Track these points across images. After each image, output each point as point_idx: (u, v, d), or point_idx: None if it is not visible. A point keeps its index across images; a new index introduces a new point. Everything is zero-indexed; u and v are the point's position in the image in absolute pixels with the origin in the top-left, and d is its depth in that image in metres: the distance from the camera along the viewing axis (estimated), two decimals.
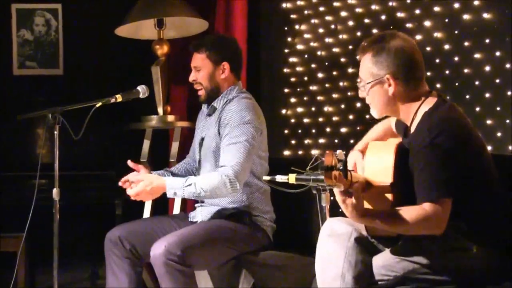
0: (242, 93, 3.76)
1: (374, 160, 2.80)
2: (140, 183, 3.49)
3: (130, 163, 3.60)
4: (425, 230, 2.65)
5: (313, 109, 4.84)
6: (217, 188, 3.46)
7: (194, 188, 3.46)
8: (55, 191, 3.37)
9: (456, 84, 3.94)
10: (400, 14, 4.26)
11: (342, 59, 4.63)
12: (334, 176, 2.49)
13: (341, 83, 4.67)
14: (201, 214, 3.72)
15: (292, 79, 4.97)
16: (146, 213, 4.67)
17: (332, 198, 2.66)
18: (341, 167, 2.50)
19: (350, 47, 4.56)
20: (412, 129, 2.81)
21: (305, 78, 4.89)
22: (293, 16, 4.96)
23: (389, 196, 2.70)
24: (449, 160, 2.65)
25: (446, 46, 3.98)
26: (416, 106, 2.81)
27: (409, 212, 2.62)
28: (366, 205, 2.70)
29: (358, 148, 3.03)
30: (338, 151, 2.54)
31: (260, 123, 3.67)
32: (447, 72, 3.99)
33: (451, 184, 2.64)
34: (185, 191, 3.48)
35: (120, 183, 3.55)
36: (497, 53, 3.75)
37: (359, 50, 2.87)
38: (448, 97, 3.85)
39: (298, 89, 4.93)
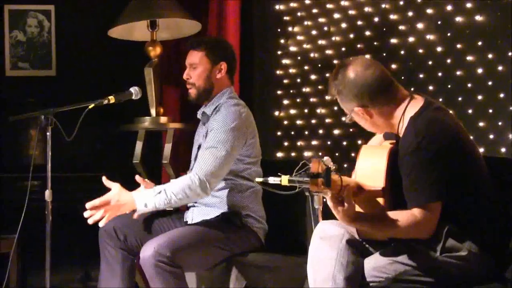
0: (232, 98, 3.72)
1: (366, 164, 2.78)
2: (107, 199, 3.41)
3: (138, 178, 3.54)
4: (414, 234, 2.68)
5: (306, 111, 4.84)
6: (186, 188, 3.42)
7: (164, 195, 3.40)
8: (47, 193, 3.36)
9: (449, 86, 3.94)
10: (392, 16, 4.27)
11: (335, 61, 4.62)
12: (321, 183, 2.48)
13: None
14: (192, 214, 3.72)
15: (285, 81, 4.97)
16: None
17: (324, 199, 2.66)
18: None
19: (343, 49, 4.56)
20: (400, 135, 2.82)
21: (298, 80, 4.89)
22: (286, 18, 4.96)
23: (381, 200, 2.70)
24: (436, 162, 2.66)
25: (439, 48, 3.98)
26: (401, 110, 2.82)
27: (399, 217, 2.64)
28: (358, 209, 2.71)
29: None
30: (325, 158, 2.53)
31: (246, 131, 3.63)
32: (439, 74, 3.99)
33: (439, 187, 2.66)
34: (156, 200, 3.40)
35: (87, 207, 3.41)
36: (490, 56, 3.76)
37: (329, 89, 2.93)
38: (440, 99, 3.90)
39: (291, 91, 4.93)
